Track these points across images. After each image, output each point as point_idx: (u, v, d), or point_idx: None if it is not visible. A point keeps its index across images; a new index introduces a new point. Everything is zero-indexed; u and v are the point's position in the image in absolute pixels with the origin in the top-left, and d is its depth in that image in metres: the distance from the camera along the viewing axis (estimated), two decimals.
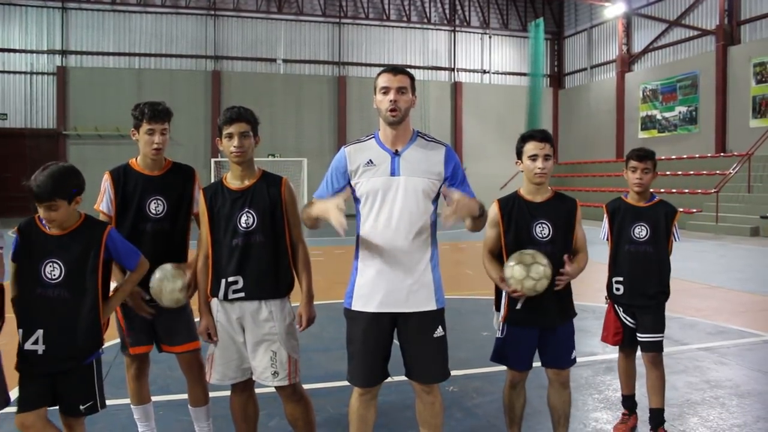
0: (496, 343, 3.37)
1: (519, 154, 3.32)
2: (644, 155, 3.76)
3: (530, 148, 3.24)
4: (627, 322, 3.83)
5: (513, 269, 3.06)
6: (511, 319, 3.27)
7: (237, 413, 3.19)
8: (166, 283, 3.18)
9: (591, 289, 6.27)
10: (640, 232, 3.75)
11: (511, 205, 3.31)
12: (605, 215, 3.92)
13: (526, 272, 3.02)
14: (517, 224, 3.26)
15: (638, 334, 3.79)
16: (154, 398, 3.73)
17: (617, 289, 3.81)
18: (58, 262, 2.75)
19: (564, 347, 3.30)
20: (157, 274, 3.20)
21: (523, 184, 3.38)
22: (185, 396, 3.60)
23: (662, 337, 3.77)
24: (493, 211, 3.32)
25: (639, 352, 3.87)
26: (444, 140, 3.04)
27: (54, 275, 2.74)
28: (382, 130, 2.94)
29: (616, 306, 3.88)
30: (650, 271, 3.74)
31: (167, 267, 3.23)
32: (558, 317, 3.27)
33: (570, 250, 3.28)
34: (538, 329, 3.27)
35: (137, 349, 3.43)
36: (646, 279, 3.74)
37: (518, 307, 3.22)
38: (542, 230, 3.23)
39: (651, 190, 3.89)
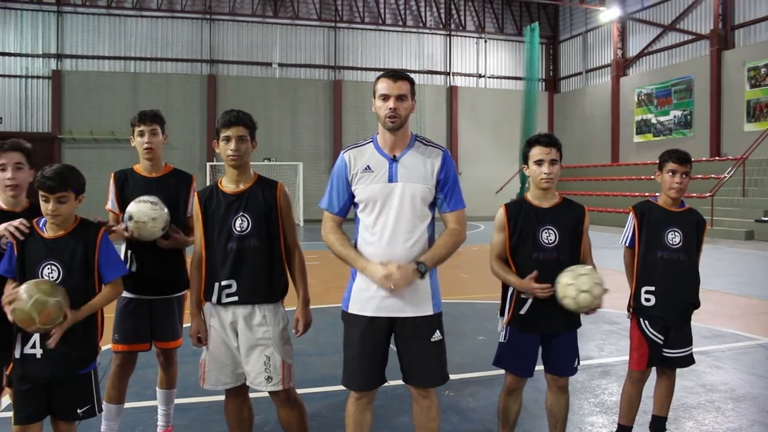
0: (498, 348, 3.35)
1: (525, 159, 3.27)
2: (684, 158, 3.46)
3: (536, 152, 3.19)
4: (654, 338, 3.50)
5: (564, 288, 3.05)
6: (514, 324, 3.25)
7: (232, 418, 3.17)
8: (154, 212, 3.31)
9: None
10: (674, 238, 3.49)
11: (518, 209, 3.27)
12: (632, 218, 3.60)
13: (578, 287, 3.00)
14: (522, 229, 3.22)
15: (668, 350, 3.53)
16: (149, 403, 3.71)
17: (647, 300, 3.50)
18: (56, 264, 2.74)
19: (567, 355, 3.28)
20: (146, 213, 3.29)
21: (530, 188, 3.33)
22: (182, 400, 3.59)
23: (692, 349, 3.59)
24: (500, 215, 3.31)
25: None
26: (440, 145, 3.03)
27: (52, 277, 2.72)
28: (380, 134, 2.94)
29: (640, 320, 3.55)
30: (684, 281, 3.52)
31: (137, 209, 3.32)
32: (561, 325, 3.24)
33: (577, 257, 3.26)
34: (539, 335, 3.25)
35: (133, 347, 3.50)
36: (680, 289, 3.50)
37: (522, 312, 3.21)
38: (548, 236, 3.19)
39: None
